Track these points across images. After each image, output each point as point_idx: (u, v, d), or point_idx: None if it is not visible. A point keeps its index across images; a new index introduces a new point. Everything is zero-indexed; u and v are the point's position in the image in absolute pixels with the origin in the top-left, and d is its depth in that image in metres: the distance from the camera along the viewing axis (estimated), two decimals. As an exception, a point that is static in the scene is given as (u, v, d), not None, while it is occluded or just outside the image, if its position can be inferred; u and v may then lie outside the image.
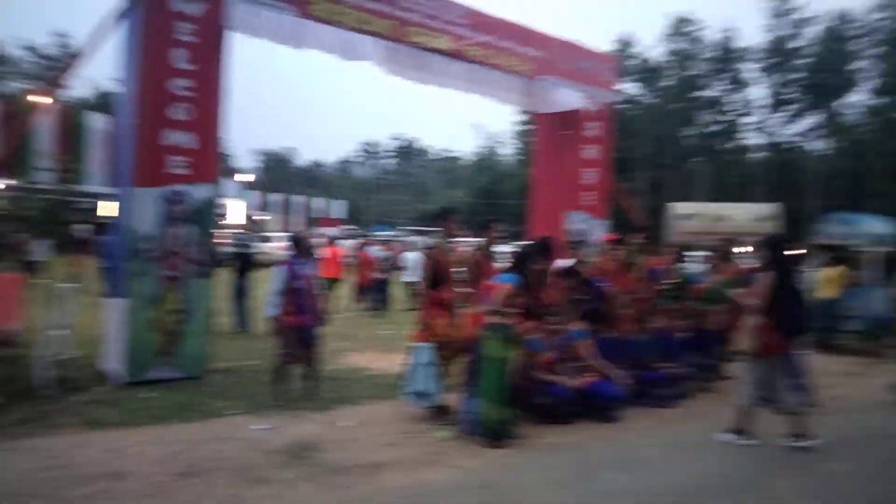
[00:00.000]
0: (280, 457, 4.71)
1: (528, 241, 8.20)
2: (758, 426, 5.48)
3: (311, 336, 6.17)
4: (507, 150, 57.81)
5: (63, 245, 7.39)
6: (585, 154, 11.04)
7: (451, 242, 6.28)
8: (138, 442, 4.87)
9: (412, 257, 13.79)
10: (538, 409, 5.79)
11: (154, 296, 6.47)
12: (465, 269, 6.01)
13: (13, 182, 7.86)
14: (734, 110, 42.92)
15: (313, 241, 7.62)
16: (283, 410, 5.80)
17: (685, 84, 41.61)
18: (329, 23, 7.58)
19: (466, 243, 6.99)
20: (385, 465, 4.68)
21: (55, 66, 44.78)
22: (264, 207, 36.21)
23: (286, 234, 26.14)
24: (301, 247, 6.37)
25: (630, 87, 43.41)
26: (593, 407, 5.97)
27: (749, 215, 16.15)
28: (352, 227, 40.75)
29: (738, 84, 41.96)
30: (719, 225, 15.72)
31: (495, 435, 5.20)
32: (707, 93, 42.33)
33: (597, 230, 10.66)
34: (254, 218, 33.52)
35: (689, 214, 16.71)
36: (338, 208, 40.54)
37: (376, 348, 9.46)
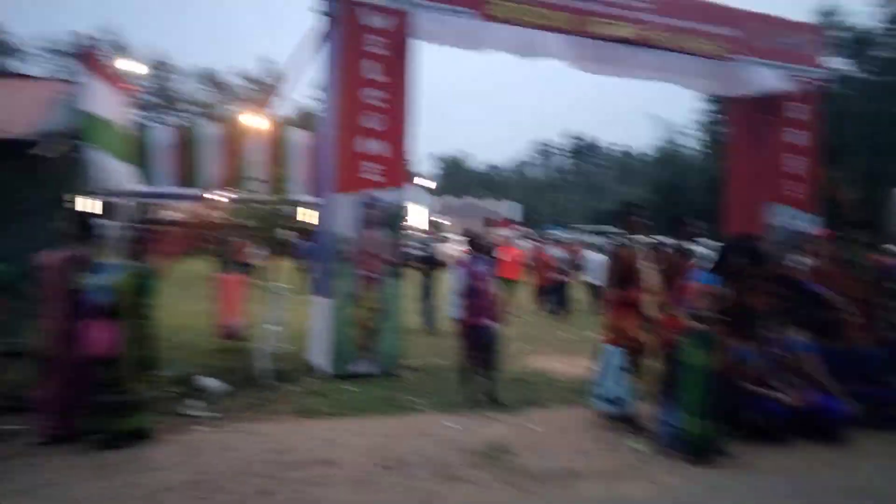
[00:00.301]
0: (474, 457, 4.75)
1: (730, 238, 7.48)
2: None
3: (490, 337, 6.17)
4: (690, 141, 53.89)
5: (273, 249, 8.21)
6: (789, 140, 9.81)
7: (636, 240, 5.91)
8: (345, 432, 5.21)
9: (593, 258, 13.37)
10: (747, 426, 5.23)
11: (354, 295, 6.92)
12: (658, 268, 5.62)
13: (233, 195, 8.86)
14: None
15: (490, 241, 7.65)
16: (471, 410, 5.87)
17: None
18: (508, 22, 7.56)
19: (653, 241, 6.53)
20: (580, 473, 4.51)
21: (263, 89, 50.74)
22: (442, 210, 37.56)
23: (463, 235, 27.01)
24: (478, 247, 6.39)
25: (838, 63, 38.21)
26: (815, 427, 5.25)
27: None
28: (526, 227, 40.79)
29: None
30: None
31: (698, 450, 4.78)
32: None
33: (805, 225, 9.45)
34: (433, 220, 34.95)
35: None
36: (513, 209, 40.78)
37: (559, 351, 9.27)
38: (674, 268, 5.72)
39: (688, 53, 8.68)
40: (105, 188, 7.10)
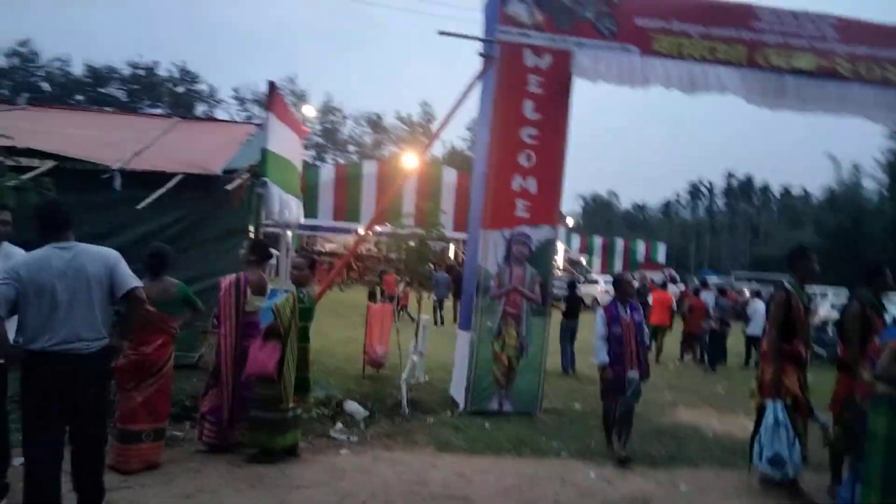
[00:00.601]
0: (617, 512, 4.43)
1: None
2: None
3: (632, 386, 5.75)
4: (870, 183, 48.13)
5: (420, 282, 8.45)
6: None
7: (806, 287, 5.30)
8: (480, 469, 5.12)
9: (758, 307, 12.20)
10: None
11: (496, 330, 6.87)
12: (847, 322, 4.99)
13: (387, 229, 9.27)
14: None
15: (637, 284, 7.23)
16: (615, 460, 5.51)
17: None
18: (673, 57, 7.26)
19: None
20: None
21: (420, 131, 53.60)
22: (586, 250, 36.67)
23: (608, 277, 26.08)
24: (623, 290, 6.03)
25: None
26: None
27: None
28: (674, 271, 38.49)
29: None
30: None
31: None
32: None
33: None
34: (575, 260, 34.18)
35: None
36: (661, 252, 38.82)
37: (710, 405, 8.51)
38: (863, 321, 5.02)
39: (874, 83, 7.79)
40: (279, 220, 7.75)
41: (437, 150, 54.64)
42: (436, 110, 54.46)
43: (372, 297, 16.61)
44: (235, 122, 20.02)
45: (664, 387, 9.22)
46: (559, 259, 31.88)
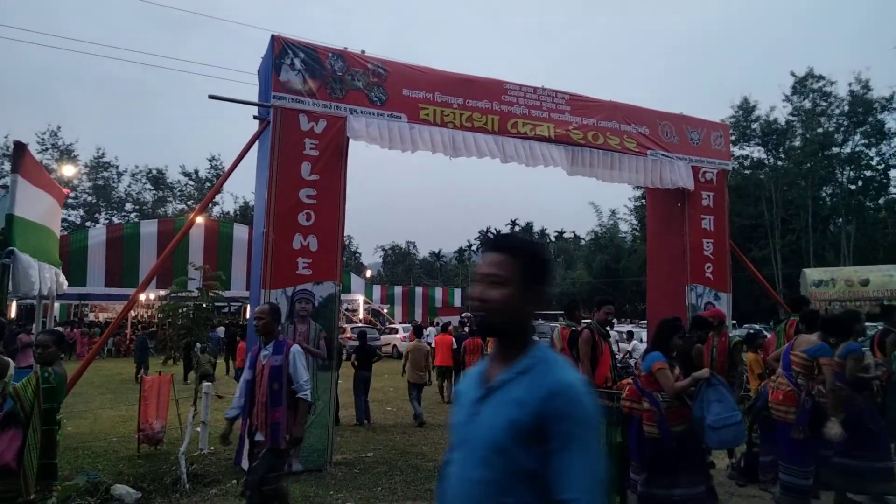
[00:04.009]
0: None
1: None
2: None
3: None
4: (624, 225, 56.62)
5: (203, 347, 8.10)
6: (703, 225, 10.58)
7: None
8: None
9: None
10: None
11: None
12: (581, 345, 5.95)
13: (167, 292, 8.80)
14: (880, 164, 39.17)
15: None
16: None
17: (816, 142, 38.87)
18: (437, 124, 8.07)
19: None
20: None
21: (208, 186, 50.89)
22: (387, 300, 37.52)
23: (407, 325, 26.96)
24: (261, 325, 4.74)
25: (755, 151, 41.45)
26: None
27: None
28: (468, 314, 40.93)
29: (882, 136, 38.40)
30: (860, 290, 14.26)
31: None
32: (845, 149, 39.17)
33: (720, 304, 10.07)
34: (377, 310, 34.76)
35: (825, 280, 15.21)
36: (457, 296, 41.14)
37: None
38: (595, 345, 6.05)
39: (604, 149, 9.40)
40: (29, 292, 6.95)
41: (229, 206, 52.55)
42: (226, 165, 52.57)
43: (148, 367, 15.20)
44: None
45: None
46: (360, 311, 32.26)
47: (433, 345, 13.29)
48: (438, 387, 12.85)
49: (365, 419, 10.15)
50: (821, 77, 39.02)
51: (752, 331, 11.46)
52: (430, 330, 23.95)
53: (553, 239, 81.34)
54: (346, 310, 30.23)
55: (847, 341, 5.27)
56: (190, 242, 20.97)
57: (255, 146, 7.70)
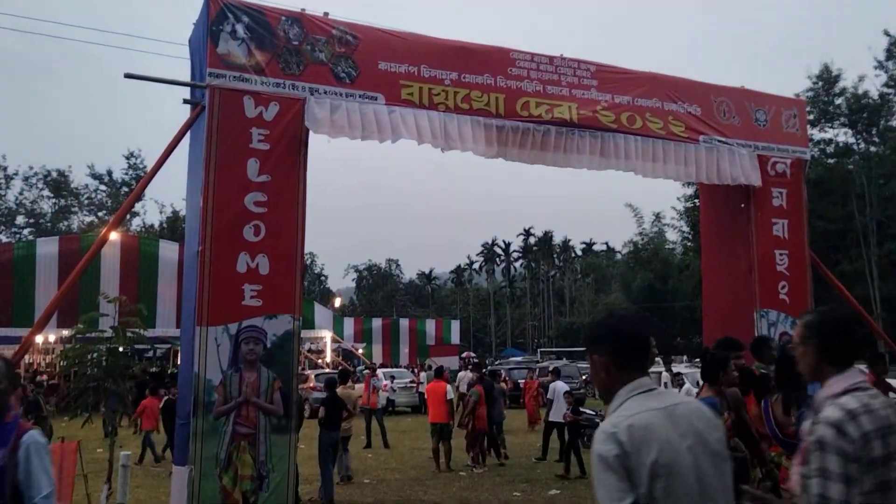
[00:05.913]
0: None
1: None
2: None
3: None
4: (673, 235, 56.63)
5: (120, 402, 8.05)
6: (775, 232, 10.55)
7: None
8: None
9: (554, 388, 13.28)
10: None
11: (224, 460, 6.79)
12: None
13: (71, 332, 8.78)
14: None
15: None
16: None
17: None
18: (425, 108, 8.10)
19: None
20: None
21: (123, 192, 50.85)
22: (362, 337, 37.47)
23: (389, 369, 26.84)
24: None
25: (841, 134, 41.53)
26: None
27: None
28: (471, 353, 41.03)
29: None
30: None
31: None
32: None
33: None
34: (350, 350, 34.67)
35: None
36: (454, 330, 41.21)
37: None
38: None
39: (643, 135, 9.44)
40: None
41: (153, 217, 52.42)
42: (149, 164, 52.43)
43: (50, 431, 15.06)
44: None
45: None
46: (327, 352, 32.18)
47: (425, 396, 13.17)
48: (433, 450, 12.76)
49: (327, 497, 9.91)
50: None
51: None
52: (423, 375, 23.91)
53: (579, 253, 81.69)
54: (309, 351, 30.14)
55: None
56: (102, 266, 20.87)
57: (187, 139, 7.73)
